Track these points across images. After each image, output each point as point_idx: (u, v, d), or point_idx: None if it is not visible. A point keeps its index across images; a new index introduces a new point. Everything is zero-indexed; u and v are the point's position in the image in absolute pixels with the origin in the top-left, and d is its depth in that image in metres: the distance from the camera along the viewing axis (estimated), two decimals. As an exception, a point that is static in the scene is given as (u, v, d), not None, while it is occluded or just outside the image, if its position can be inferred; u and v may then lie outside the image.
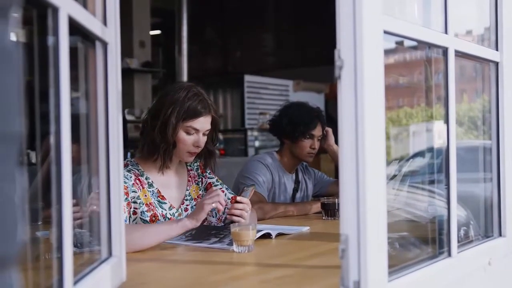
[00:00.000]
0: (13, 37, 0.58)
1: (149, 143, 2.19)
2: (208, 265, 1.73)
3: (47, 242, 1.30)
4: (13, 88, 0.55)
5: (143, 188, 2.17)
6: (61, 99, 0.97)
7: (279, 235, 2.16)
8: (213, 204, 1.97)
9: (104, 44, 1.31)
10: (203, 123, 2.19)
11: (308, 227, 2.34)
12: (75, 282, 1.05)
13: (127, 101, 7.32)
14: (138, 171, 2.20)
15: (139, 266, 1.70)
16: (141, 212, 2.13)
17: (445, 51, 1.49)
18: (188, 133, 2.17)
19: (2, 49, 0.55)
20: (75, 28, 1.08)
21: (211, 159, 2.34)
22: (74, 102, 1.05)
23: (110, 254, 1.33)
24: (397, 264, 1.31)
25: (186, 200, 2.31)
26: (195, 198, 2.33)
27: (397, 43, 1.43)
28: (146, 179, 2.21)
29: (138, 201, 2.13)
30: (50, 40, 0.98)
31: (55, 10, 0.96)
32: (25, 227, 0.58)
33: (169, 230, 1.96)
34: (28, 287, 1.04)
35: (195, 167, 2.40)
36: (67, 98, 0.98)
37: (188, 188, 2.33)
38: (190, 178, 2.36)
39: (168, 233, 1.95)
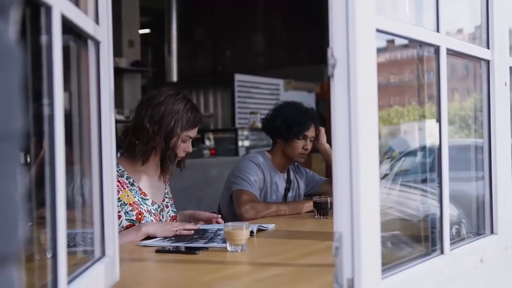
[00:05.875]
0: (13, 36, 0.58)
1: (149, 149, 2.23)
2: (201, 265, 1.73)
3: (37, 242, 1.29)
4: (15, 86, 0.55)
5: (124, 188, 2.20)
6: (55, 98, 0.96)
7: (259, 231, 2.20)
8: (179, 231, 2.11)
9: (97, 43, 1.31)
10: (196, 131, 2.32)
11: (273, 225, 2.35)
12: (69, 282, 1.05)
13: (116, 100, 7.25)
14: (117, 172, 2.21)
15: (132, 266, 1.70)
16: (125, 212, 2.17)
17: (437, 49, 1.49)
18: (184, 141, 2.27)
19: (4, 47, 0.54)
20: (67, 27, 1.07)
21: (185, 157, 2.38)
22: (65, 102, 1.04)
23: (103, 253, 1.33)
24: (390, 262, 1.31)
25: (166, 197, 2.40)
26: (171, 197, 2.44)
27: (388, 41, 1.43)
28: (126, 178, 2.24)
29: (119, 202, 2.15)
30: (43, 38, 0.97)
31: (48, 8, 0.95)
32: (26, 225, 0.58)
33: (132, 237, 2.05)
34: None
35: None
36: (60, 97, 0.98)
37: (166, 187, 2.42)
38: (166, 179, 2.43)
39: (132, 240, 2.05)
